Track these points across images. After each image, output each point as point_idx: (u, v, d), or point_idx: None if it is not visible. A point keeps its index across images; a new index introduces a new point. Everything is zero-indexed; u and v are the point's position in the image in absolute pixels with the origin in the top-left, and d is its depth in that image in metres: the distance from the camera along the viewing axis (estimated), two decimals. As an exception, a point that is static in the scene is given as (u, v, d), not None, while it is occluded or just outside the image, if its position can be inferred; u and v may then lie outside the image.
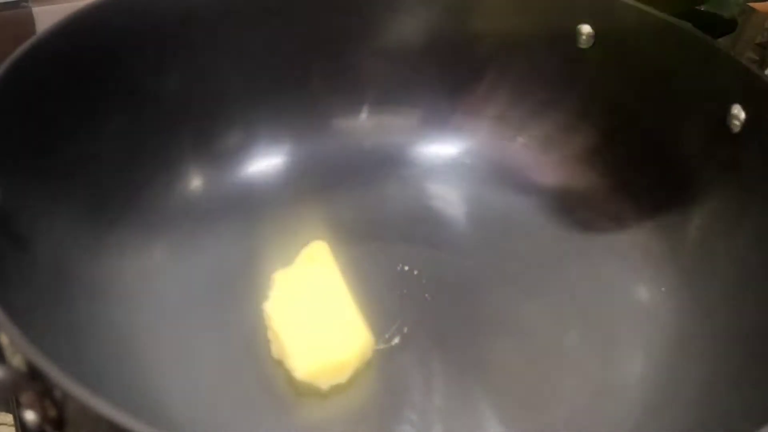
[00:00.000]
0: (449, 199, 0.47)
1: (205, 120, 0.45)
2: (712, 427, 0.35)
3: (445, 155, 0.49)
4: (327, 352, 0.38)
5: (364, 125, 0.49)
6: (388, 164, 0.49)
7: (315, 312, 0.39)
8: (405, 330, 0.41)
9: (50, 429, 0.26)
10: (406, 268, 0.44)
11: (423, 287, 0.43)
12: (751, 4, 0.54)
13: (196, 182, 0.45)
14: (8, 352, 0.27)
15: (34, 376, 0.26)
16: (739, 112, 0.40)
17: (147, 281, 0.41)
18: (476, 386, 0.39)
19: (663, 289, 0.43)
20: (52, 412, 0.26)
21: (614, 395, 0.39)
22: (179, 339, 0.39)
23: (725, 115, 0.41)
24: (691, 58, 0.43)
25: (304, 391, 0.37)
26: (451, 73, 0.49)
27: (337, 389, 0.38)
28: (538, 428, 0.38)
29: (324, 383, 0.37)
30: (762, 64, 0.41)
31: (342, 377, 0.38)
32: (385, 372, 0.39)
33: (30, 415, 0.26)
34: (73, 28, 0.39)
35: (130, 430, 0.24)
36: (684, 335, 0.41)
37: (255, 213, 0.45)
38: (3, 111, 0.35)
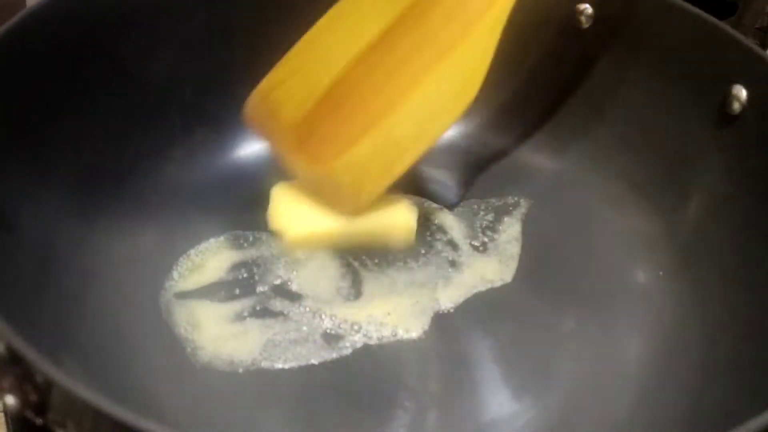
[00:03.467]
0: (444, 183, 0.47)
1: (195, 101, 0.45)
2: (709, 411, 0.35)
3: (439, 138, 0.48)
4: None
5: None
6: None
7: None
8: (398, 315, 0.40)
9: (32, 414, 0.26)
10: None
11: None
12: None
13: (186, 165, 0.45)
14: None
15: (13, 360, 0.26)
16: (739, 93, 0.40)
17: (135, 265, 0.40)
18: (472, 371, 0.39)
19: (661, 272, 0.43)
20: (33, 397, 0.26)
21: (611, 379, 0.39)
22: (168, 323, 0.39)
23: (726, 95, 0.41)
24: (692, 37, 0.43)
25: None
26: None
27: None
28: (535, 412, 0.37)
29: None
30: (763, 48, 0.41)
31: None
32: (379, 356, 0.39)
33: (10, 400, 0.26)
34: (62, 3, 0.39)
35: (112, 415, 0.24)
36: (681, 319, 0.41)
37: (246, 196, 0.45)
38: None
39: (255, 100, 0.42)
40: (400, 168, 0.40)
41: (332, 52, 0.40)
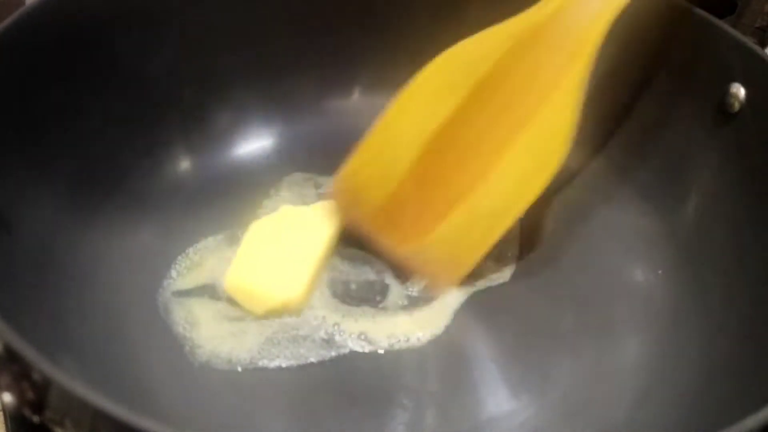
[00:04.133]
0: None
1: (194, 101, 0.45)
2: (708, 411, 0.35)
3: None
4: (255, 279, 0.40)
5: (356, 106, 0.49)
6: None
7: (281, 249, 0.41)
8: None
9: (29, 412, 0.26)
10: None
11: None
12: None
13: (184, 164, 0.45)
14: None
15: (11, 358, 0.26)
16: (738, 91, 0.40)
17: (134, 264, 0.40)
18: (470, 370, 0.39)
19: (659, 271, 0.43)
20: (30, 395, 0.26)
21: (610, 378, 0.39)
22: (166, 322, 0.39)
23: (724, 94, 0.41)
24: (691, 36, 0.43)
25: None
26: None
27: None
28: (533, 410, 0.37)
29: (242, 301, 0.40)
30: (762, 47, 0.41)
31: (257, 308, 0.39)
32: (378, 355, 0.39)
33: (7, 398, 0.26)
34: (60, 3, 0.39)
35: (110, 413, 0.24)
36: (680, 318, 0.41)
37: (244, 195, 0.45)
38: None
39: (338, 186, 0.42)
40: (491, 239, 0.40)
41: (411, 131, 0.39)
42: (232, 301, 0.40)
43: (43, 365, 0.25)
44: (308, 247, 0.41)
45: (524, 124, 0.38)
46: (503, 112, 0.38)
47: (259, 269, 0.40)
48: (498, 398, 0.38)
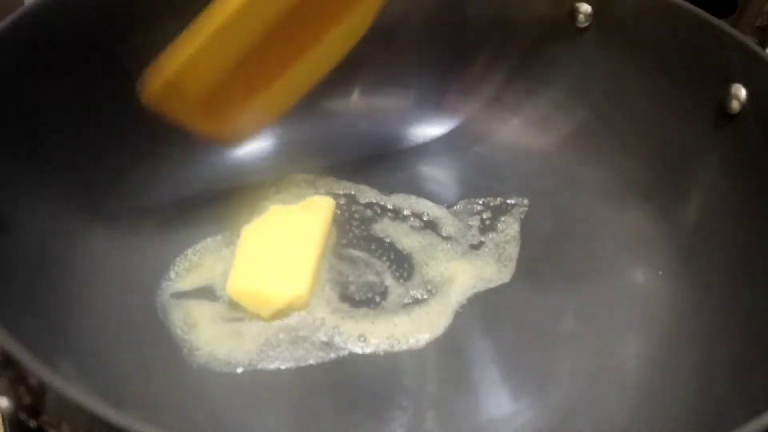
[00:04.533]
0: (442, 181, 0.47)
1: None
2: (709, 411, 0.35)
3: (438, 137, 0.49)
4: (259, 281, 0.40)
5: (356, 106, 0.49)
6: (380, 146, 0.49)
7: (277, 249, 0.41)
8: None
9: (25, 416, 0.26)
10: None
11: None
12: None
13: (183, 165, 0.45)
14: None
15: (7, 362, 0.26)
16: (738, 92, 0.40)
17: (132, 265, 0.41)
18: (470, 371, 0.39)
19: (660, 272, 0.43)
20: (27, 400, 0.26)
21: (611, 378, 0.39)
22: (164, 323, 0.39)
23: (725, 94, 0.41)
24: (691, 36, 0.43)
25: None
26: (445, 53, 0.49)
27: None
28: (534, 412, 0.38)
29: (249, 306, 0.40)
30: (762, 47, 0.42)
31: (264, 311, 0.39)
32: (377, 357, 0.39)
33: (4, 402, 0.26)
34: (59, 3, 0.39)
35: (105, 418, 0.24)
36: (680, 319, 0.41)
37: (242, 196, 0.45)
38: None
39: (158, 80, 0.40)
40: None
41: (239, 31, 0.40)
42: (231, 304, 0.40)
43: (38, 370, 0.25)
44: (304, 243, 0.42)
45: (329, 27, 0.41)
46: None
47: (260, 272, 0.40)
48: (498, 400, 0.38)
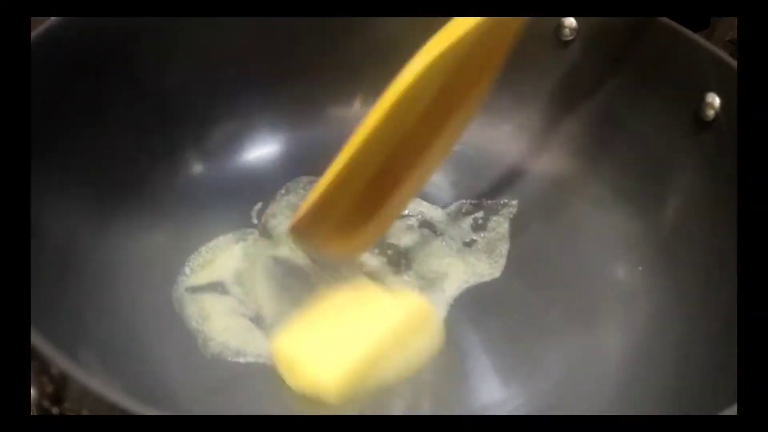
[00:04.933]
0: (437, 184, 0.48)
1: (206, 110, 0.46)
2: (685, 395, 0.37)
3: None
4: (303, 353, 0.37)
5: (358, 114, 0.48)
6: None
7: (339, 326, 0.39)
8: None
9: (48, 404, 0.27)
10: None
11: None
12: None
13: (197, 168, 0.46)
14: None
15: (32, 354, 0.27)
16: (713, 100, 0.41)
17: (150, 262, 0.41)
18: (463, 360, 0.40)
19: (640, 268, 0.44)
20: (50, 388, 0.27)
21: (594, 369, 0.40)
22: (180, 316, 0.40)
23: (700, 103, 0.42)
24: (669, 49, 0.44)
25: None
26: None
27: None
28: (523, 398, 0.38)
29: (282, 370, 0.38)
30: (734, 59, 0.42)
31: (293, 383, 0.37)
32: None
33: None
34: (78, 24, 0.40)
35: (121, 405, 0.25)
36: (659, 312, 0.42)
37: (253, 196, 0.46)
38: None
39: (298, 229, 0.40)
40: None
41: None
42: (241, 299, 0.40)
43: (61, 362, 0.26)
44: (367, 332, 0.38)
45: (441, 130, 0.39)
46: (426, 122, 0.38)
47: (309, 343, 0.37)
48: (490, 387, 0.39)
